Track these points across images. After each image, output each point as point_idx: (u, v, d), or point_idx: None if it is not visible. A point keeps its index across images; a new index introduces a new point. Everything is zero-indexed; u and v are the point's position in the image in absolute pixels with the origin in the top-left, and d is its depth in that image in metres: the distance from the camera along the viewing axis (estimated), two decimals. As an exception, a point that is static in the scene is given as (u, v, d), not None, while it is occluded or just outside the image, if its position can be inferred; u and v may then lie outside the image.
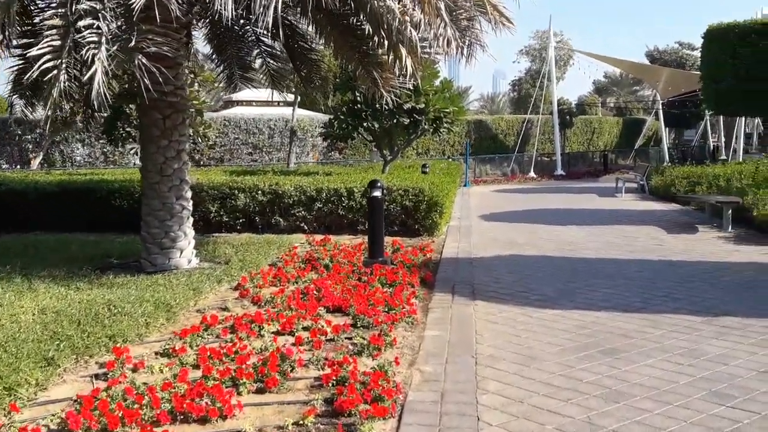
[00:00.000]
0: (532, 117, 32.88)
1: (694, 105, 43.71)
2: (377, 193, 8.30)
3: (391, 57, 8.43)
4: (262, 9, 5.70)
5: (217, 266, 8.46)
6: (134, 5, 5.56)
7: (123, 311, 5.93)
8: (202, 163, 23.70)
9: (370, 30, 8.26)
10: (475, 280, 8.23)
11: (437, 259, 9.61)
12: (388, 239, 10.82)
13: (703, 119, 49.12)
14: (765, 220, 11.47)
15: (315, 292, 6.92)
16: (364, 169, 19.41)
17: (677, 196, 16.20)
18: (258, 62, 11.20)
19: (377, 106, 15.57)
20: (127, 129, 13.62)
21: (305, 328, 5.81)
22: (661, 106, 38.99)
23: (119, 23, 5.94)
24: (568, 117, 34.44)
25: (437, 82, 16.81)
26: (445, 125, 16.77)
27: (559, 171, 30.18)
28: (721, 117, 47.00)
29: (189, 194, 8.59)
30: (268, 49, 10.85)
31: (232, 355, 4.96)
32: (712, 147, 47.45)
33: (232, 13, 5.61)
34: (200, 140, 14.60)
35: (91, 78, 5.47)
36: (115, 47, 5.73)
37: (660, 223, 13.42)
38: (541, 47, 43.08)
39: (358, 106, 15.81)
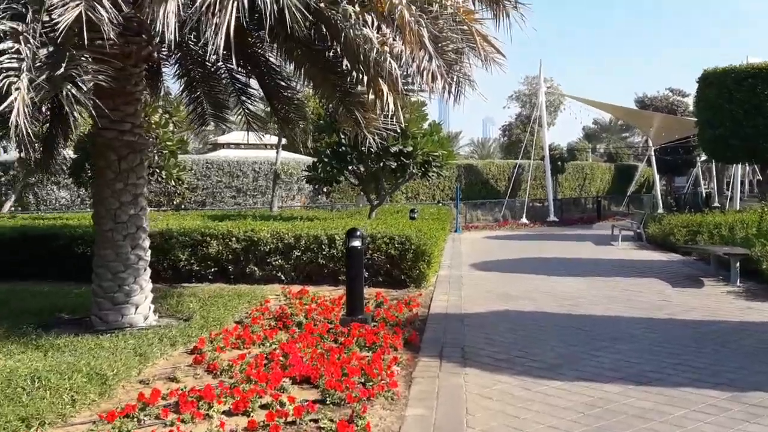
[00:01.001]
0: (523, 162, 32.34)
1: (686, 151, 43.55)
2: (356, 243, 7.45)
3: (371, 94, 7.70)
4: (213, 29, 4.92)
5: (178, 323, 7.53)
6: (60, 25, 4.76)
7: (48, 384, 4.98)
8: (183, 207, 22.84)
9: (348, 65, 7.55)
10: (467, 341, 7.34)
11: (424, 314, 8.72)
12: (371, 291, 9.97)
13: (695, 166, 49.10)
14: (776, 273, 10.67)
15: (281, 358, 6.00)
16: (350, 214, 18.59)
17: (678, 246, 15.39)
18: (233, 101, 10.47)
19: (363, 148, 14.82)
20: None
21: (263, 407, 4.88)
22: (653, 153, 38.65)
23: (49, 49, 5.12)
24: (559, 162, 33.92)
25: (426, 125, 16.13)
26: (434, 169, 16.03)
27: (552, 217, 29.48)
28: (713, 164, 47.02)
29: (146, 243, 7.71)
30: (242, 87, 10.12)
31: (167, 447, 4.04)
32: (704, 194, 47.19)
33: (175, 35, 4.82)
34: (173, 183, 13.78)
35: (9, 111, 4.63)
36: (43, 76, 4.90)
37: (662, 275, 12.60)
38: (530, 92, 42.87)
39: (343, 148, 15.07)
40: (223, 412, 4.79)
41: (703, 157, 47.37)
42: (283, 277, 10.99)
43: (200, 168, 23.46)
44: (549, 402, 5.30)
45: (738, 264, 11.18)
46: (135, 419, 4.64)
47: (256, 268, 11.02)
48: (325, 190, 22.03)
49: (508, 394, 5.49)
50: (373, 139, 9.53)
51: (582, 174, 38.89)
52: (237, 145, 33.11)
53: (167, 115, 13.51)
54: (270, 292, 10.06)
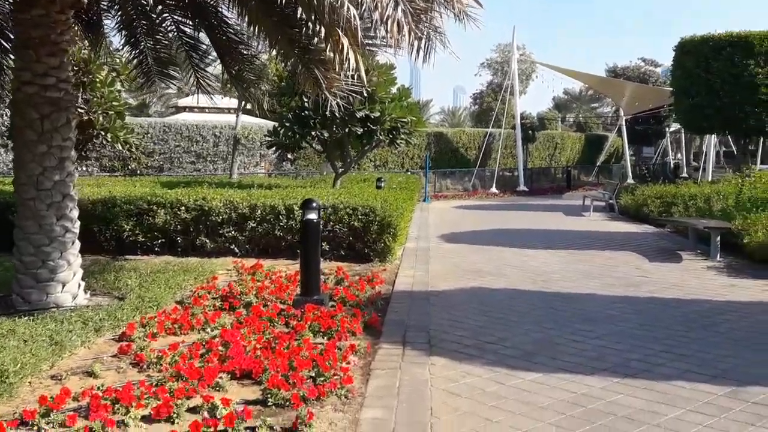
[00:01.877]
0: (494, 131, 31.67)
1: (656, 122, 43.35)
2: (312, 216, 6.66)
3: (329, 49, 6.87)
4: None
5: (110, 303, 6.71)
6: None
7: (-67, 384, 4.17)
8: (138, 172, 21.73)
9: (303, 13, 6.68)
10: (433, 323, 6.65)
11: (388, 292, 8.01)
12: (332, 266, 9.24)
13: (664, 136, 49.01)
14: (756, 248, 10.17)
15: (220, 348, 5.23)
16: (314, 182, 17.74)
17: (653, 219, 14.86)
18: (183, 57, 9.50)
19: (327, 113, 13.99)
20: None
21: (192, 410, 4.13)
22: (624, 122, 38.28)
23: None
24: (530, 131, 33.32)
25: (394, 90, 15.28)
26: (403, 136, 15.23)
27: (522, 187, 28.97)
28: (683, 134, 46.97)
29: (74, 213, 6.82)
30: (191, 41, 9.16)
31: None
32: (672, 164, 47.18)
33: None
34: (119, 147, 12.77)
35: None
36: None
37: (638, 249, 12.07)
38: (503, 60, 42.08)
39: (306, 113, 14.17)
40: (143, 418, 4.03)
41: (673, 128, 47.46)
42: (236, 250, 10.19)
43: (157, 132, 22.30)
44: (525, 399, 4.64)
45: (718, 238, 10.67)
46: (35, 428, 3.86)
47: (207, 240, 10.19)
48: (289, 156, 21.06)
49: (478, 390, 4.82)
50: (336, 102, 8.74)
51: (552, 143, 38.41)
52: (201, 109, 31.76)
53: (114, 73, 12.44)
54: (221, 266, 9.27)
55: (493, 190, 28.10)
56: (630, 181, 34.41)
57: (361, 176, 20.74)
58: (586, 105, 73.80)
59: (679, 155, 54.78)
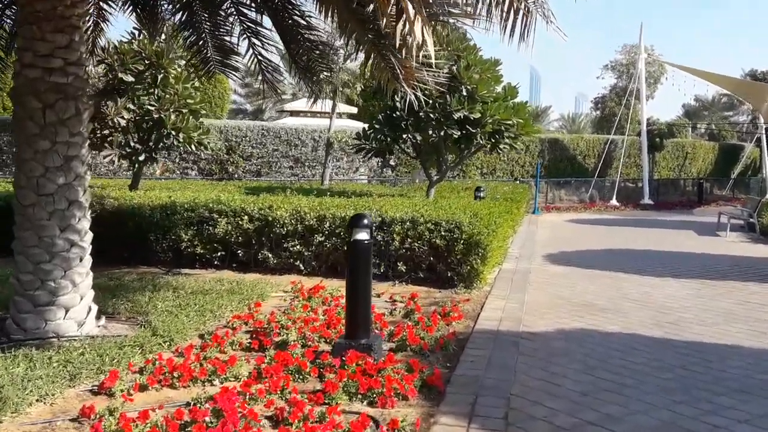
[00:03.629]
0: (616, 138, 28.97)
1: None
2: (362, 236, 5.17)
3: (396, 24, 5.39)
4: None
5: (120, 336, 5.53)
6: None
7: None
8: (236, 176, 21.20)
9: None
10: (517, 385, 4.99)
11: (467, 331, 6.40)
12: (407, 290, 7.78)
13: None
14: None
15: (208, 419, 3.84)
16: (408, 190, 16.31)
17: None
18: (245, 45, 8.34)
19: (420, 114, 12.53)
20: (104, 132, 11.00)
21: None
22: (764, 131, 34.23)
23: None
24: (658, 139, 30.25)
25: (499, 89, 13.58)
26: (507, 140, 13.48)
27: (647, 200, 26.17)
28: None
29: (84, 224, 5.69)
30: (253, 25, 7.96)
31: None
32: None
33: None
34: (194, 148, 11.88)
35: None
36: None
37: (794, 282, 9.74)
38: (628, 62, 38.93)
39: (397, 113, 12.75)
40: None
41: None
42: (302, 267, 8.89)
43: (255, 135, 21.67)
44: None
45: None
46: None
47: (270, 254, 8.96)
48: (391, 162, 19.79)
49: None
50: (417, 95, 7.31)
51: (682, 153, 34.91)
52: (307, 114, 31.24)
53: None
54: (278, 286, 7.99)
55: (614, 202, 25.55)
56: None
57: (462, 184, 19.13)
58: (719, 113, 68.17)
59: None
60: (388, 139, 13.24)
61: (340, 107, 24.78)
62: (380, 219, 8.59)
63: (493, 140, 13.41)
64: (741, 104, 64.17)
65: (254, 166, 21.81)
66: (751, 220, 16.71)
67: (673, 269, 10.78)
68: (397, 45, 5.37)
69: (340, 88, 17.22)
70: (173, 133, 11.24)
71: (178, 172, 20.87)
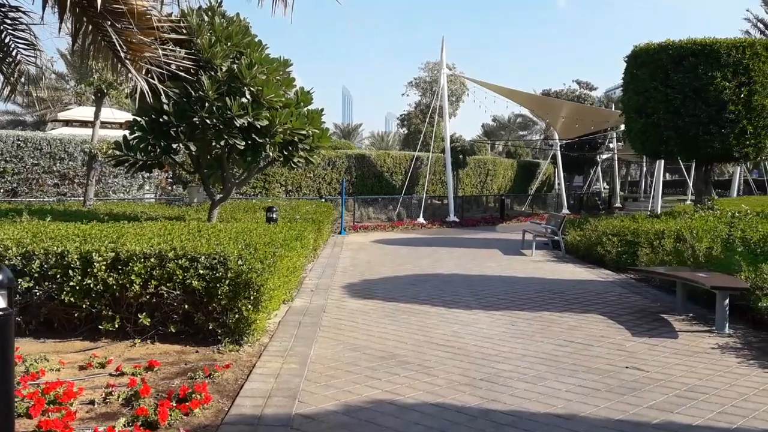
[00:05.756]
0: (422, 154, 28.54)
1: (591, 148, 41.42)
2: (-6, 304, 3.00)
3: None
4: None
5: None
6: None
7: None
8: (-17, 196, 17.41)
9: None
10: None
11: (214, 423, 4.40)
12: (149, 352, 5.64)
13: (597, 164, 47.21)
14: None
15: None
16: (194, 210, 13.96)
17: (632, 268, 11.08)
18: None
19: (196, 119, 10.37)
20: None
21: None
22: (559, 149, 35.98)
23: None
24: (461, 156, 30.34)
25: (291, 94, 11.78)
26: (301, 153, 11.69)
27: (452, 217, 25.82)
28: (615, 162, 45.29)
29: None
30: None
31: None
32: (605, 194, 45.38)
33: None
34: None
35: None
36: None
37: (607, 310, 8.87)
38: (432, 79, 39.29)
39: (165, 117, 10.44)
40: None
41: (605, 155, 45.76)
42: (3, 325, 6.35)
43: (9, 147, 18.00)
44: None
45: (727, 301, 7.52)
46: None
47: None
48: (188, 177, 17.13)
49: None
50: (148, 80, 5.26)
51: (484, 170, 35.66)
52: (86, 123, 27.34)
53: None
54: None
55: (421, 220, 24.86)
56: (565, 211, 31.95)
57: (262, 203, 17.05)
58: (515, 132, 72.61)
59: (605, 184, 53.47)
60: (157, 150, 10.88)
61: (117, 114, 21.70)
62: (113, 255, 6.33)
63: (285, 152, 11.56)
64: (534, 124, 68.77)
65: (8, 185, 18.10)
66: (556, 237, 16.39)
67: (482, 299, 9.57)
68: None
69: (105, 88, 14.43)
70: None
71: None
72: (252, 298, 6.30)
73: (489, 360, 6.28)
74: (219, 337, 6.37)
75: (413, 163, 27.89)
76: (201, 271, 6.31)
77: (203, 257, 6.39)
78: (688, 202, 35.76)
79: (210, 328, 6.37)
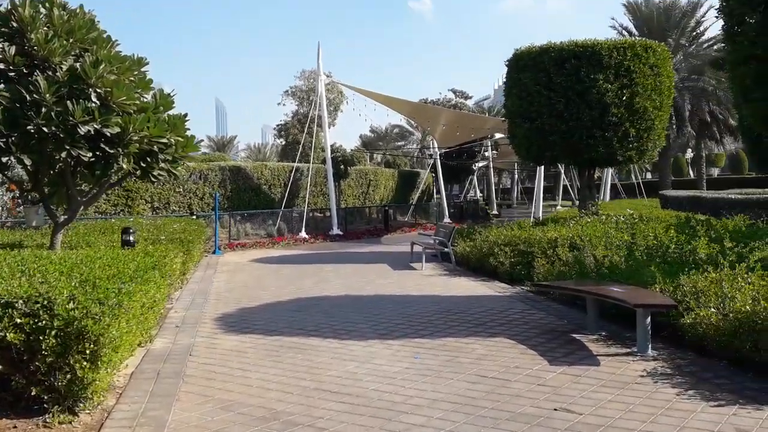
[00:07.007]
0: (302, 165, 27.26)
1: (470, 156, 41.73)
2: None
3: None
4: None
5: None
6: None
7: None
8: None
9: None
10: None
11: None
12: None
13: (473, 173, 47.81)
14: (708, 335, 6.44)
15: None
16: (42, 234, 11.94)
17: (539, 284, 10.01)
18: None
19: (30, 127, 8.62)
20: None
21: None
22: (439, 157, 35.85)
23: None
24: (342, 166, 29.34)
25: (148, 97, 10.20)
26: (162, 165, 10.13)
27: (336, 230, 24.70)
28: (491, 170, 46.00)
29: None
30: None
31: None
32: (483, 201, 45.93)
33: None
34: None
35: None
36: None
37: (514, 331, 8.02)
38: (308, 88, 38.14)
39: (-10, 125, 8.60)
40: None
41: (481, 164, 46.41)
42: None
43: None
44: None
45: (649, 319, 6.83)
46: None
47: None
48: (15, 197, 14.93)
49: None
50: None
51: (366, 180, 34.86)
52: None
53: None
54: None
55: (303, 234, 23.55)
56: (447, 220, 31.73)
57: (120, 223, 15.10)
58: (393, 143, 72.91)
59: (479, 192, 54.44)
60: (-17, 165, 8.99)
61: None
62: None
63: (143, 164, 9.94)
64: (411, 134, 69.27)
65: None
66: (446, 249, 15.64)
67: (377, 325, 8.48)
68: None
69: None
70: None
71: None
72: (88, 352, 4.84)
73: (395, 411, 5.16)
74: (45, 405, 4.85)
75: (293, 174, 26.55)
76: (18, 320, 4.77)
77: (20, 301, 4.85)
78: (559, 207, 36.72)
79: (33, 393, 4.83)
